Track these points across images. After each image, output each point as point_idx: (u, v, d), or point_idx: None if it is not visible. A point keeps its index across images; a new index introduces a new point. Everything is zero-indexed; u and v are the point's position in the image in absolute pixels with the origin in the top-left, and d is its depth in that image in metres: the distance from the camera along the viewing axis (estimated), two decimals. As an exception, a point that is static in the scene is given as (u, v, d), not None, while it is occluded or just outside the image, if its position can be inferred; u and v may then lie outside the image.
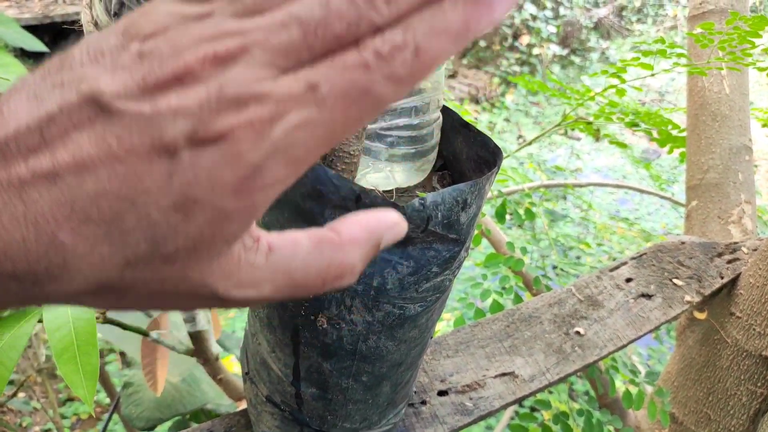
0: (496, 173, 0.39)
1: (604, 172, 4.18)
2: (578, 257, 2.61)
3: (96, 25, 0.38)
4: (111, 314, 0.60)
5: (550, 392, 1.37)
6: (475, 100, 5.26)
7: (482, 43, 5.52)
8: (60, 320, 0.37)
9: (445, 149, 0.48)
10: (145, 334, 0.70)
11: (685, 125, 1.08)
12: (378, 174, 0.43)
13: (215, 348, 0.73)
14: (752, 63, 0.89)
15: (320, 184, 0.34)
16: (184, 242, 0.16)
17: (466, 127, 0.44)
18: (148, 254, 0.16)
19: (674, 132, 1.14)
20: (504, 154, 1.02)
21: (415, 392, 0.59)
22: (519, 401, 0.63)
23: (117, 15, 0.36)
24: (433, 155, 0.44)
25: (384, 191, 0.44)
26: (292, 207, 0.36)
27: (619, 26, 6.37)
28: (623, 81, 0.97)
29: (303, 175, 0.34)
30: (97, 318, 0.60)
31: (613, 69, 0.96)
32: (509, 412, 1.91)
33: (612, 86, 1.00)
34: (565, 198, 3.32)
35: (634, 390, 0.77)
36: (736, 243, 0.87)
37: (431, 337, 0.46)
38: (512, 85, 5.50)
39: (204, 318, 0.71)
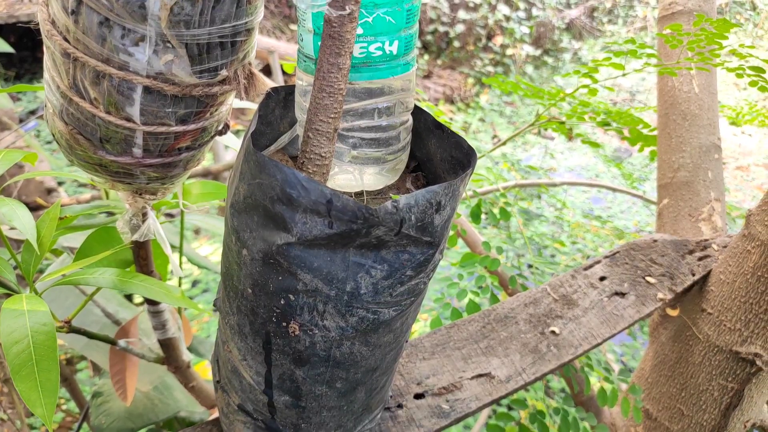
0: (470, 175, 0.39)
1: (577, 171, 4.23)
2: (553, 255, 2.63)
3: (53, 23, 0.37)
4: (76, 323, 0.58)
5: (527, 390, 1.37)
6: (450, 101, 5.28)
7: (456, 44, 5.54)
8: (18, 333, 0.35)
9: (419, 151, 0.47)
10: (112, 342, 0.68)
11: (656, 124, 1.09)
12: (346, 176, 0.42)
13: (186, 355, 0.72)
14: (720, 64, 0.91)
15: (290, 187, 0.33)
16: None
17: (440, 128, 0.44)
18: None
19: (645, 131, 1.15)
20: (478, 155, 1.02)
21: (391, 396, 0.58)
22: (495, 402, 0.62)
23: (75, 13, 0.34)
24: (404, 157, 0.43)
25: (355, 194, 0.43)
26: (262, 211, 0.35)
27: (590, 27, 6.46)
28: (595, 81, 0.98)
29: (272, 179, 0.33)
30: (61, 328, 0.58)
31: (585, 69, 0.97)
32: (487, 410, 1.91)
33: (584, 86, 1.01)
34: (539, 197, 3.35)
35: (608, 387, 0.78)
36: (706, 240, 0.89)
37: (407, 341, 0.46)
38: (487, 86, 5.54)
39: (174, 325, 0.69)
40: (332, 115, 0.37)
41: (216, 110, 0.41)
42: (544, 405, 0.78)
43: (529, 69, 5.64)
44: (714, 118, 1.03)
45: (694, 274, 0.82)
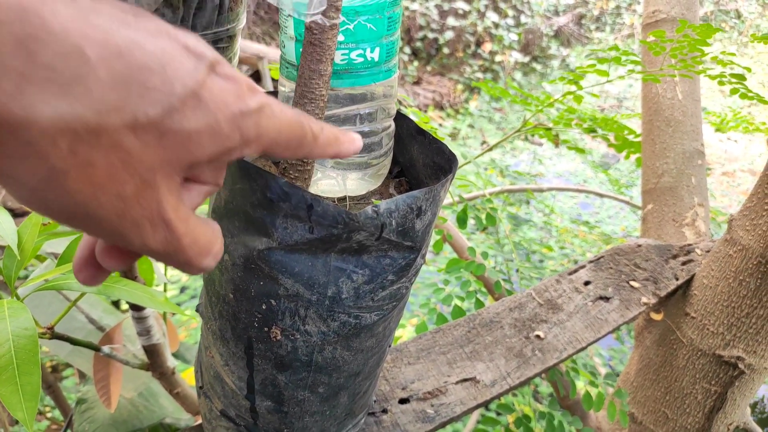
0: (452, 180, 0.39)
1: (565, 177, 4.26)
2: (541, 261, 2.64)
3: None
4: (60, 329, 0.58)
5: (515, 395, 1.38)
6: (440, 107, 5.30)
7: (446, 51, 5.57)
8: (-3, 338, 0.35)
9: (402, 156, 0.47)
10: (96, 348, 0.67)
11: (640, 131, 1.10)
12: (329, 181, 0.43)
13: (171, 362, 0.71)
14: (703, 71, 0.92)
15: (270, 192, 0.33)
16: (187, 125, 0.19)
17: (422, 134, 0.44)
18: (153, 119, 0.18)
19: (630, 137, 1.16)
20: (466, 160, 1.02)
21: (375, 401, 0.59)
22: (481, 406, 0.63)
23: None
24: (387, 162, 0.44)
25: (338, 199, 0.43)
26: (243, 216, 0.35)
27: (578, 34, 6.52)
28: (580, 87, 0.99)
29: (253, 184, 0.33)
30: (44, 334, 0.57)
31: (570, 76, 0.98)
32: (476, 415, 1.92)
33: (570, 93, 1.02)
34: (528, 203, 3.37)
35: (594, 391, 0.78)
36: (690, 245, 0.90)
37: (389, 346, 0.46)
38: (476, 92, 5.57)
39: (159, 331, 0.69)
40: (314, 121, 0.37)
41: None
42: (531, 409, 0.78)
43: (518, 75, 5.68)
44: (697, 124, 1.04)
45: (677, 279, 0.83)
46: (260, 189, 0.33)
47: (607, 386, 0.81)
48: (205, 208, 0.41)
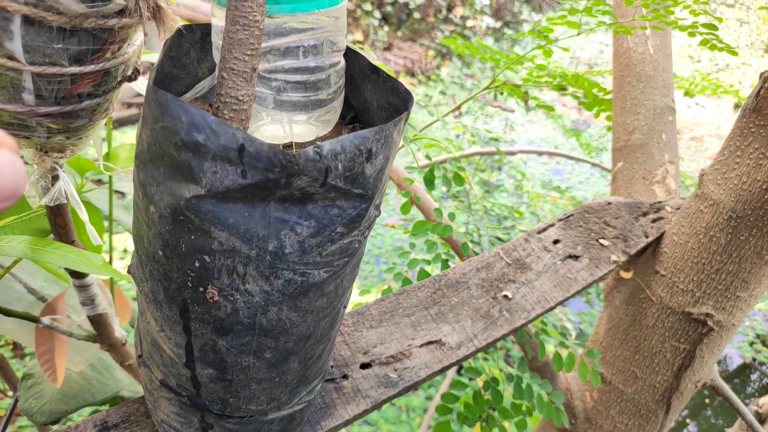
0: (406, 119, 0.35)
1: (537, 143, 4.26)
2: (513, 226, 2.64)
3: None
4: (-13, 299, 0.53)
5: (486, 359, 1.37)
6: (411, 73, 5.23)
7: (417, 16, 5.47)
8: None
9: (355, 99, 0.43)
10: (35, 320, 0.62)
11: (611, 88, 1.07)
12: (275, 126, 0.38)
13: (119, 332, 0.67)
14: (674, 22, 0.89)
15: (197, 131, 0.29)
16: None
17: (375, 72, 0.40)
18: None
19: (600, 95, 1.14)
20: (434, 118, 0.98)
21: (335, 366, 0.55)
22: (446, 369, 0.60)
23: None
24: (336, 104, 0.39)
25: (283, 146, 0.39)
26: (167, 160, 0.31)
27: (550, 0, 6.46)
28: (550, 41, 0.95)
29: (176, 121, 0.29)
30: (-30, 304, 0.52)
31: (539, 28, 0.94)
32: (449, 379, 1.92)
33: (539, 47, 0.98)
34: (500, 169, 3.35)
35: (564, 352, 0.76)
36: (660, 202, 0.88)
37: (344, 306, 0.42)
38: (447, 58, 5.50)
39: (105, 300, 0.64)
40: (249, 52, 0.32)
41: (119, 50, 0.36)
42: (502, 373, 0.76)
43: (490, 41, 5.62)
44: (668, 79, 1.02)
45: (647, 236, 0.82)
46: (185, 127, 0.29)
47: (577, 347, 0.79)
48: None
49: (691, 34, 0.90)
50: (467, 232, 0.94)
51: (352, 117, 0.44)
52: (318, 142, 0.33)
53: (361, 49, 0.72)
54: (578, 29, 0.90)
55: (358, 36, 5.12)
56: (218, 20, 0.36)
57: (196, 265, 0.33)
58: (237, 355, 0.37)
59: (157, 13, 0.34)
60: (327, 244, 0.34)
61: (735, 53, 0.90)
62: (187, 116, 0.29)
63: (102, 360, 0.82)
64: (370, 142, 0.32)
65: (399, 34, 5.51)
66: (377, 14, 5.25)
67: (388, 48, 5.34)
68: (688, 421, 2.42)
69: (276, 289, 0.35)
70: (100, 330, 0.67)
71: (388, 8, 5.40)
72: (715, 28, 0.86)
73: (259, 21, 0.32)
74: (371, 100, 0.41)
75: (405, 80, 5.06)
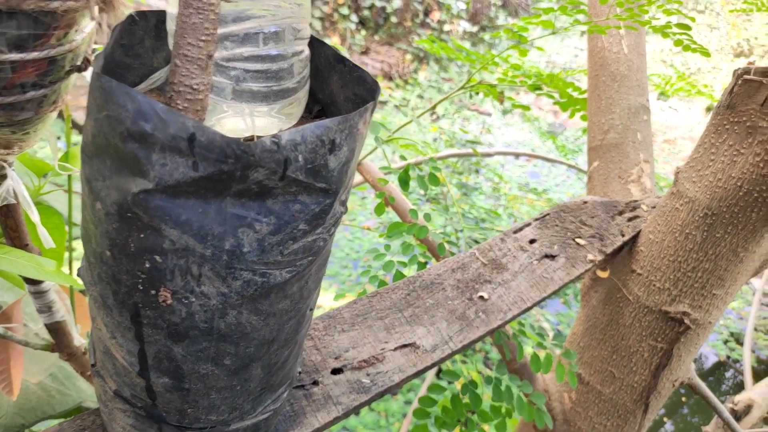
0: (372, 110, 0.33)
1: (514, 146, 4.28)
2: (491, 228, 2.65)
3: None
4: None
5: (464, 362, 1.35)
6: (389, 77, 5.22)
7: (394, 20, 5.47)
8: None
9: (321, 92, 0.41)
10: (-13, 328, 0.59)
11: (587, 87, 1.07)
12: (236, 119, 0.36)
13: (78, 340, 0.64)
14: (648, 21, 0.89)
15: (143, 119, 0.27)
16: None
17: (341, 62, 0.38)
18: None
19: (575, 95, 1.13)
20: (408, 119, 0.96)
21: (304, 372, 0.53)
22: (421, 373, 0.58)
23: None
24: (301, 95, 0.37)
25: (244, 140, 0.37)
26: (114, 153, 0.28)
27: (525, 4, 6.52)
28: (525, 40, 0.95)
29: (122, 109, 0.27)
30: None
31: (515, 28, 0.93)
32: (429, 382, 1.90)
33: (514, 46, 0.97)
34: (477, 171, 3.36)
35: (542, 353, 0.75)
36: (636, 201, 0.88)
37: (311, 309, 0.40)
38: (425, 62, 5.51)
39: (63, 307, 0.61)
40: (203, 38, 0.30)
41: (65, 36, 0.33)
42: (481, 375, 0.74)
43: (467, 45, 5.64)
44: (643, 79, 1.02)
45: (623, 235, 0.81)
46: (130, 115, 0.27)
47: (555, 347, 0.78)
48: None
49: (665, 35, 0.90)
50: (444, 234, 0.93)
51: (319, 110, 0.42)
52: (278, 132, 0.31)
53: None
54: (553, 28, 0.89)
55: (336, 40, 5.10)
56: (173, 7, 0.34)
57: (147, 266, 0.31)
58: (194, 362, 0.35)
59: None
60: (288, 243, 0.32)
61: (708, 54, 0.91)
62: (133, 104, 0.27)
63: (63, 369, 0.78)
64: (333, 133, 0.30)
65: (376, 38, 5.50)
66: (354, 18, 5.24)
67: (365, 52, 5.33)
68: (665, 419, 2.44)
69: (234, 291, 0.32)
70: (59, 338, 0.64)
71: (366, 12, 5.39)
72: (688, 28, 0.86)
73: (214, 4, 0.30)
74: (338, 92, 0.39)
75: (383, 84, 5.05)
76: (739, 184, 0.68)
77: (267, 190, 0.30)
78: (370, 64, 5.20)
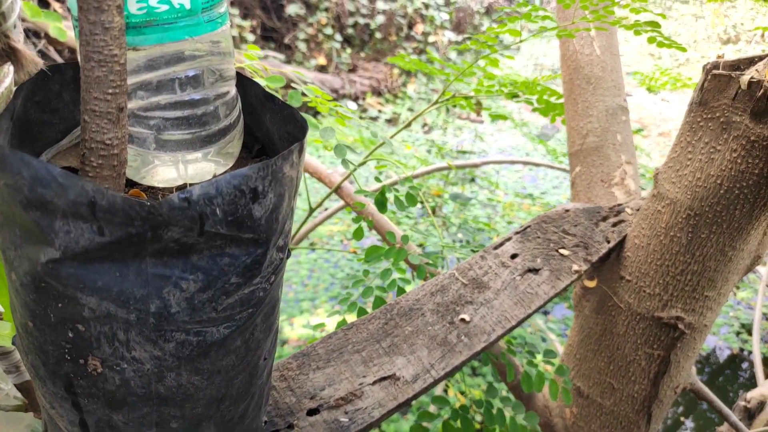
0: (299, 151, 0.32)
1: (508, 152, 4.26)
2: (490, 238, 2.62)
3: None
4: None
5: (457, 382, 1.32)
6: (378, 93, 5.23)
7: (378, 35, 5.49)
8: None
9: (258, 130, 0.40)
10: (-47, 395, 0.57)
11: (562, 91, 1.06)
12: (167, 167, 0.35)
13: (49, 398, 0.62)
14: (617, 21, 0.87)
15: (42, 186, 0.25)
16: None
17: (271, 100, 0.36)
18: None
19: (553, 99, 1.12)
20: (386, 134, 0.95)
21: (277, 416, 0.51)
22: (402, 406, 0.56)
23: None
24: (234, 137, 0.36)
25: (176, 188, 0.35)
26: (18, 222, 0.27)
27: (510, 10, 6.54)
28: (494, 50, 0.93)
29: (18, 176, 0.25)
30: None
31: (482, 39, 0.92)
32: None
33: (484, 57, 0.96)
34: (473, 180, 3.34)
35: (533, 371, 0.73)
36: (619, 205, 0.86)
37: (265, 358, 0.38)
38: (413, 75, 5.52)
39: (31, 365, 0.59)
40: (110, 91, 0.29)
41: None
42: (468, 399, 0.72)
43: (453, 55, 5.66)
44: (618, 79, 1.00)
45: (609, 242, 0.79)
46: (27, 183, 0.25)
47: (547, 364, 0.76)
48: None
49: (637, 33, 0.88)
50: (434, 253, 0.91)
51: (259, 149, 0.41)
52: (188, 187, 0.29)
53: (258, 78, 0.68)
54: (519, 36, 0.88)
55: (322, 60, 5.12)
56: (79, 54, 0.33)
57: (70, 335, 0.29)
58: (137, 428, 0.33)
59: (12, 56, 0.31)
60: (222, 298, 0.31)
61: (683, 49, 0.89)
62: (29, 170, 0.25)
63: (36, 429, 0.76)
64: (253, 181, 0.29)
65: (362, 54, 5.52)
66: (339, 37, 5.26)
67: (353, 69, 5.35)
68: (682, 419, 2.39)
69: (168, 354, 0.31)
70: (31, 397, 0.62)
71: (350, 30, 5.42)
72: (658, 25, 0.85)
73: (117, 56, 0.28)
74: (272, 130, 0.37)
75: (372, 100, 5.06)
76: (718, 182, 0.66)
77: (188, 247, 0.28)
78: (359, 81, 5.21)
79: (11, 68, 0.34)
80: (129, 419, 0.32)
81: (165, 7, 0.30)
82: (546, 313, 2.49)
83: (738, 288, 2.77)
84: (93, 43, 0.28)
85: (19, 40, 0.32)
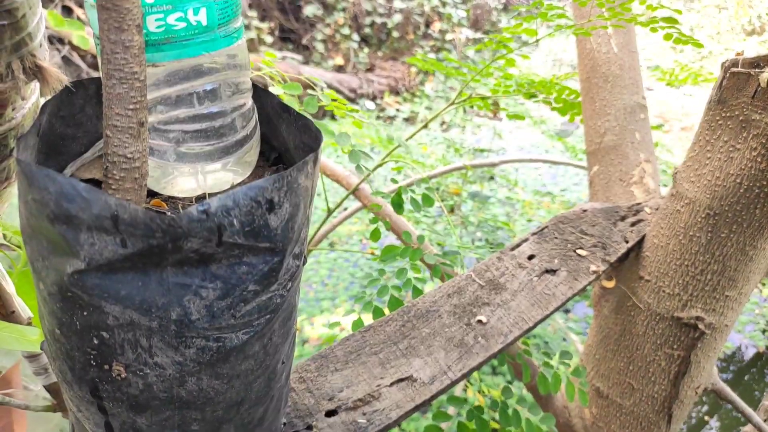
0: (313, 162, 0.32)
1: (527, 149, 4.24)
2: (510, 237, 2.61)
3: None
4: None
5: (472, 384, 1.33)
6: (396, 92, 5.23)
7: (396, 34, 5.49)
8: None
9: (275, 140, 0.41)
10: (-15, 396, 0.59)
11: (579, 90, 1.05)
12: (186, 178, 0.36)
13: (77, 399, 0.64)
14: (633, 18, 0.87)
15: (67, 201, 0.26)
16: None
17: (287, 110, 0.37)
18: None
19: (572, 98, 1.11)
20: (403, 134, 0.95)
21: (296, 417, 0.52)
22: (420, 408, 0.56)
23: None
24: (252, 147, 0.37)
25: (195, 199, 0.36)
26: (45, 235, 0.28)
27: (527, 5, 6.49)
28: (510, 50, 0.93)
29: (44, 192, 0.26)
30: None
31: (497, 39, 0.92)
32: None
33: (500, 57, 0.96)
34: (492, 178, 3.32)
35: (549, 373, 0.73)
36: (638, 204, 0.85)
37: (283, 362, 0.39)
38: (431, 74, 5.51)
39: (58, 367, 0.61)
40: (131, 107, 0.30)
41: (0, 116, 0.33)
42: (486, 399, 0.72)
43: (471, 52, 5.63)
44: (636, 77, 0.99)
45: (627, 241, 0.78)
46: (53, 198, 0.26)
47: (562, 366, 0.76)
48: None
49: (653, 30, 0.87)
50: (453, 253, 0.91)
51: (276, 158, 0.41)
52: (207, 198, 0.30)
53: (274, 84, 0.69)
54: (535, 35, 0.88)
55: (339, 60, 5.14)
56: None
57: (95, 342, 0.30)
58: (160, 430, 0.34)
59: (38, 74, 0.32)
60: (240, 305, 0.32)
61: (700, 45, 0.88)
62: (55, 186, 0.26)
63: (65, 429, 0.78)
64: (269, 192, 0.29)
65: (380, 54, 5.53)
66: (356, 37, 5.27)
67: (370, 69, 5.36)
68: (706, 418, 2.36)
69: (189, 359, 0.32)
70: (59, 398, 0.64)
71: (367, 30, 5.43)
72: (675, 21, 0.84)
73: (137, 72, 0.29)
74: (288, 140, 0.38)
75: (390, 99, 5.06)
76: (738, 181, 0.65)
77: (207, 257, 0.29)
78: (376, 81, 5.22)
79: (38, 85, 0.35)
80: (152, 422, 0.34)
81: (182, 25, 0.31)
82: (567, 311, 2.47)
83: (764, 285, 2.71)
84: (114, 62, 0.29)
85: (44, 57, 0.33)
